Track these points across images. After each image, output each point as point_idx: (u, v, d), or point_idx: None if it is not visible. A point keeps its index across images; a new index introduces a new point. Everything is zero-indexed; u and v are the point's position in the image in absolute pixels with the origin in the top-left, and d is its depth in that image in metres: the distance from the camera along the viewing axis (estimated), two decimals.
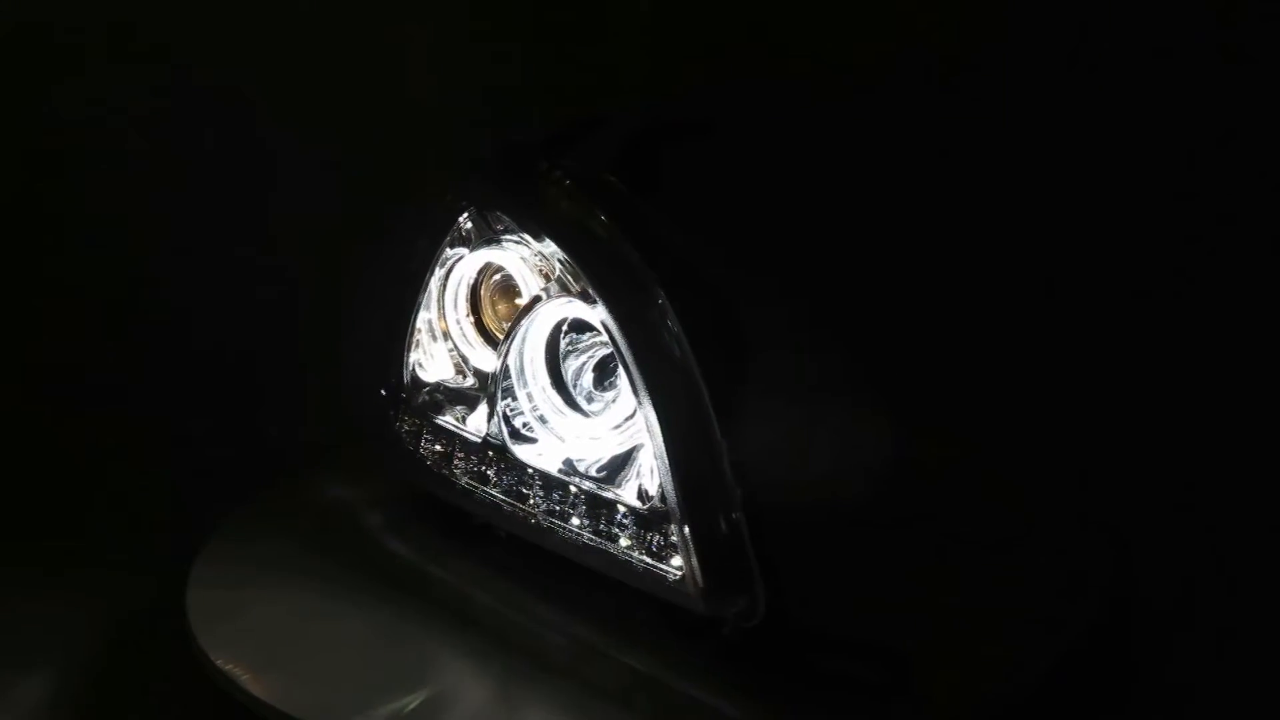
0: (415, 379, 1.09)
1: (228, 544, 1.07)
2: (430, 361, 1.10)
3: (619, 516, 0.94)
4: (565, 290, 0.98)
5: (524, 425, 1.02)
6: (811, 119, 1.07)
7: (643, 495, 0.93)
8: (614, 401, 0.98)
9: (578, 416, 1.01)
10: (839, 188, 1.03)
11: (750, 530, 0.88)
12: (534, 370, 1.02)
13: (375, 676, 0.92)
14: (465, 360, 1.09)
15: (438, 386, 1.09)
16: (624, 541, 0.94)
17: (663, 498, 0.90)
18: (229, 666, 0.92)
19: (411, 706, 0.89)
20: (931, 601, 0.93)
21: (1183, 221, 1.04)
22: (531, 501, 1.00)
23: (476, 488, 1.03)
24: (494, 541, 1.04)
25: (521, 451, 1.01)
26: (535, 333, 1.01)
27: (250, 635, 0.97)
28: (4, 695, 0.99)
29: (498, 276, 1.08)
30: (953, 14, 1.09)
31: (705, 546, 0.89)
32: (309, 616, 0.99)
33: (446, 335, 1.09)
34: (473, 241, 1.06)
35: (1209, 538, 1.07)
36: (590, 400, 1.01)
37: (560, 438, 1.01)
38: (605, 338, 0.94)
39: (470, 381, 1.08)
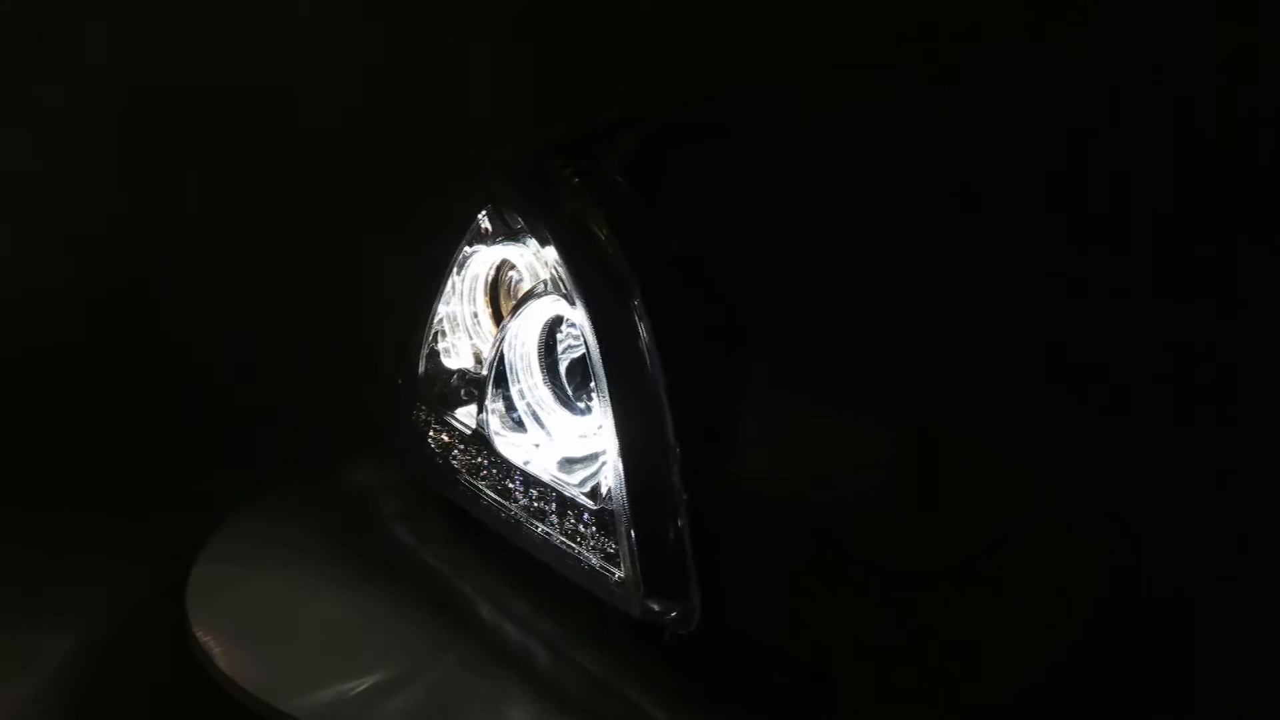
0: (433, 370, 1.11)
1: (242, 526, 1.11)
2: (454, 352, 1.12)
3: (586, 516, 0.95)
4: (557, 288, 0.98)
5: (516, 420, 1.03)
6: (820, 126, 1.05)
7: (596, 495, 0.93)
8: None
9: (566, 413, 1.02)
10: (843, 201, 1.01)
11: (694, 537, 0.87)
12: (527, 365, 1.03)
13: (336, 659, 0.94)
14: (480, 353, 1.11)
15: (454, 376, 1.11)
16: (589, 542, 0.94)
17: (609, 497, 0.90)
18: (206, 639, 0.96)
19: (357, 691, 0.91)
20: (877, 620, 0.91)
21: (1183, 221, 0.98)
22: (514, 498, 1.01)
23: (470, 481, 1.05)
24: (489, 533, 1.05)
25: (506, 445, 1.02)
26: (527, 328, 1.02)
27: (235, 611, 1.00)
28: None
29: (513, 272, 1.09)
30: (946, 16, 1.06)
31: (646, 550, 0.88)
32: (295, 598, 1.02)
33: (466, 328, 1.12)
34: (489, 238, 1.08)
35: (1209, 538, 1.02)
36: (584, 398, 1.02)
37: (550, 434, 1.02)
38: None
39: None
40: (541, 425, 1.02)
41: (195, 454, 1.32)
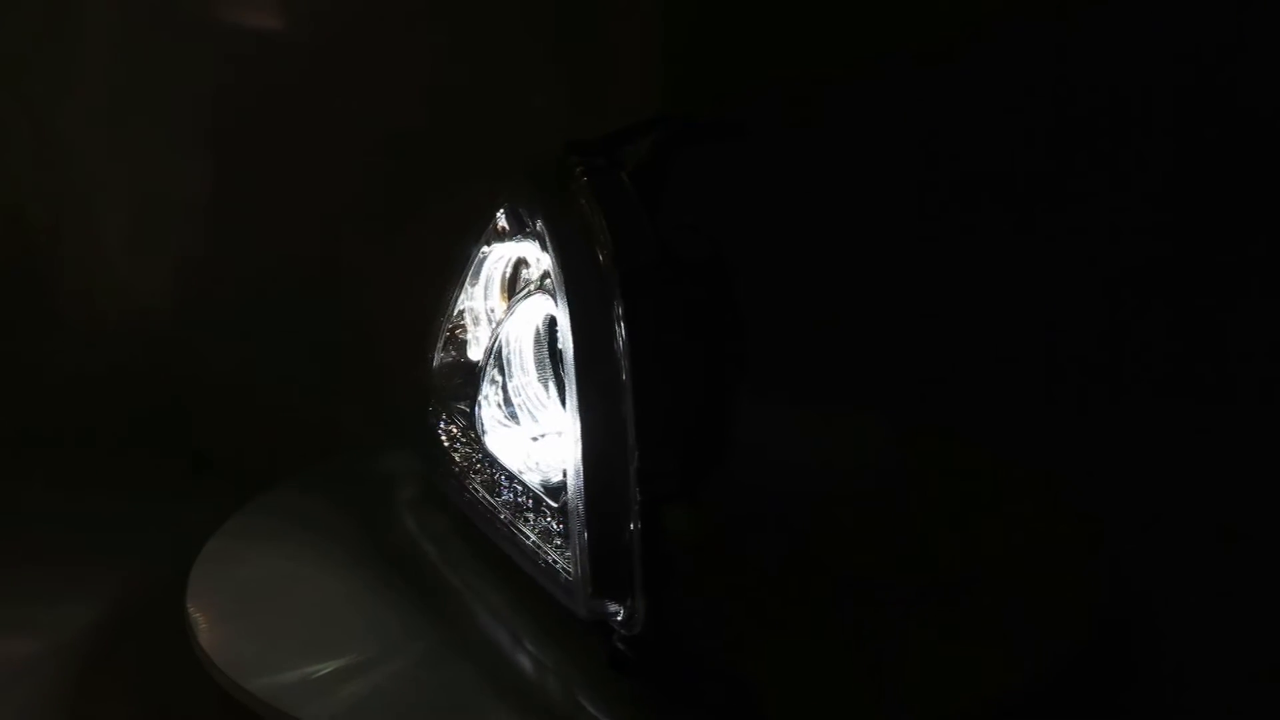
0: (447, 365, 1.13)
1: (261, 507, 1.15)
2: (477, 345, 1.14)
3: (557, 512, 0.95)
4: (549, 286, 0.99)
5: (511, 413, 1.04)
6: (831, 129, 1.03)
7: (557, 493, 0.94)
8: None
9: (560, 408, 1.03)
10: (848, 208, 0.99)
11: (645, 542, 0.87)
12: (520, 360, 1.04)
13: (310, 641, 0.96)
14: None
15: (466, 371, 1.12)
16: (555, 539, 0.95)
17: (568, 495, 0.91)
18: (195, 614, 1.00)
19: (320, 674, 0.93)
20: (829, 636, 0.89)
21: (1183, 220, 0.92)
22: (500, 492, 1.02)
23: (465, 474, 1.06)
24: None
25: (500, 439, 1.03)
26: (521, 324, 1.03)
27: (231, 589, 1.04)
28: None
29: (528, 269, 1.10)
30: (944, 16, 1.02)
31: (596, 550, 0.88)
32: (291, 580, 1.05)
33: (485, 323, 1.13)
34: (506, 235, 1.09)
35: (1209, 539, 0.96)
36: None
37: (543, 428, 1.03)
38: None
39: None
40: (535, 420, 1.04)
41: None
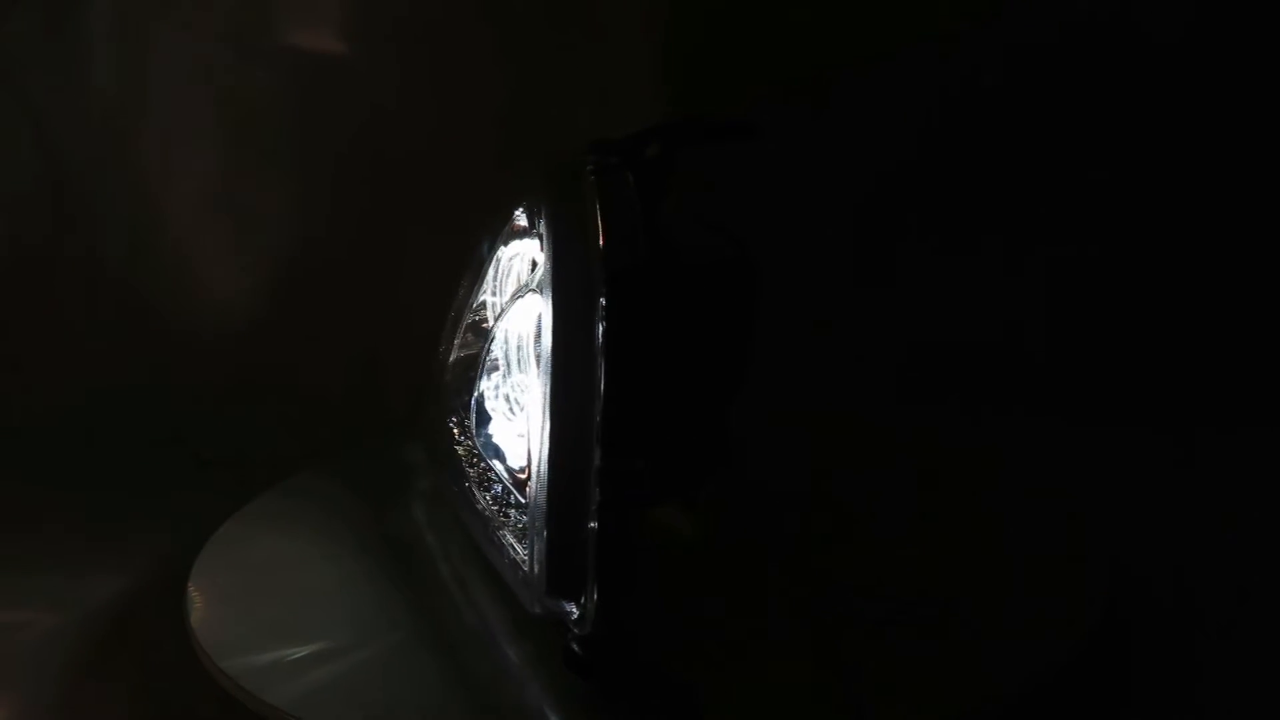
0: (460, 360, 1.14)
1: (282, 492, 1.18)
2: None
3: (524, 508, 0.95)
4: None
5: (509, 410, 1.05)
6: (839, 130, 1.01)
7: (524, 489, 0.93)
8: None
9: None
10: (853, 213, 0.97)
11: (603, 543, 0.86)
12: (520, 357, 1.04)
13: (293, 625, 0.99)
14: None
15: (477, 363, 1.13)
16: (526, 537, 0.94)
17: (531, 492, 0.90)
18: (193, 594, 1.03)
19: (294, 657, 0.95)
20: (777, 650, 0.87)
21: (1182, 220, 0.88)
22: (490, 487, 1.02)
23: (463, 469, 1.07)
24: None
25: (490, 434, 1.04)
26: (519, 320, 1.04)
27: (231, 573, 1.07)
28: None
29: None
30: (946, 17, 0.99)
31: (553, 548, 0.87)
32: (291, 566, 1.08)
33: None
34: (524, 234, 1.10)
35: (1208, 538, 0.93)
36: None
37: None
38: None
39: None
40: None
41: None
